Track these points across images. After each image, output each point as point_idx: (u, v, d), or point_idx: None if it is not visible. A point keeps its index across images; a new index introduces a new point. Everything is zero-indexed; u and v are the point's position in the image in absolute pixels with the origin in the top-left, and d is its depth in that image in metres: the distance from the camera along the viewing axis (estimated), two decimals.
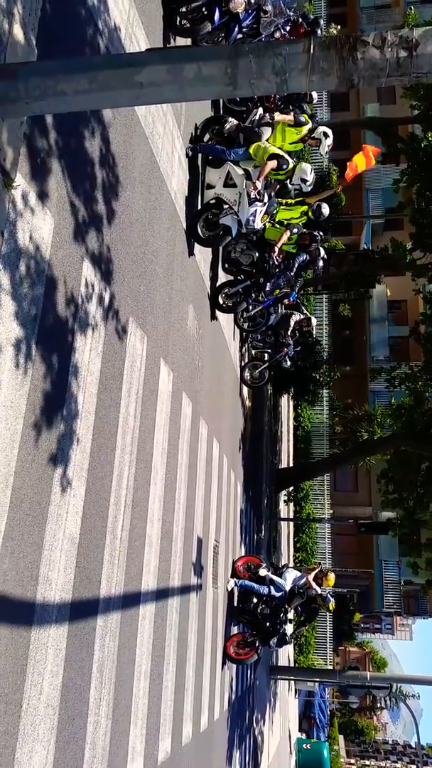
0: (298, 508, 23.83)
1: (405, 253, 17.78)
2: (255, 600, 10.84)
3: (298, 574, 11.29)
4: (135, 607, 5.73)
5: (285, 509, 22.35)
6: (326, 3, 34.48)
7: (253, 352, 13.92)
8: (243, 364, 13.30)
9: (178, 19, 7.06)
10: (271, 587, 10.91)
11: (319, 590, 11.17)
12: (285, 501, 22.09)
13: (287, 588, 11.05)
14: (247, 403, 14.10)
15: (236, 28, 7.84)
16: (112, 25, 5.41)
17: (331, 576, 11.56)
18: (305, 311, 13.73)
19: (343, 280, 23.52)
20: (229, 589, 10.61)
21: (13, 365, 3.71)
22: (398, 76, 2.54)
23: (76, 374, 4.63)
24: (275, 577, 11.05)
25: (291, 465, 24.22)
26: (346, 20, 36.44)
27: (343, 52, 2.46)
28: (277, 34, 10.19)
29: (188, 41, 7.42)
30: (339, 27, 24.56)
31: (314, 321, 13.79)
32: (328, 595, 11.24)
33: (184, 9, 7.05)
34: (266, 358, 13.65)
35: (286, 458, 23.72)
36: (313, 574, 11.29)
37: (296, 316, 13.05)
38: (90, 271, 4.92)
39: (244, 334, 12.72)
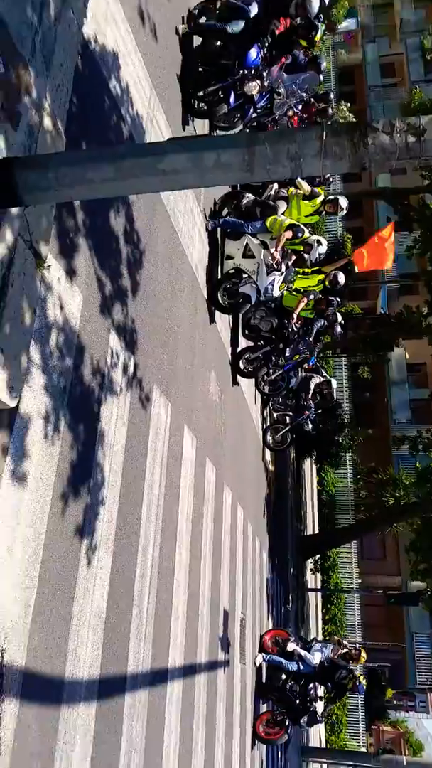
0: (326, 578, 23.11)
1: (420, 320, 17.94)
2: (284, 676, 10.39)
3: (327, 648, 10.87)
4: (162, 685, 5.54)
5: (312, 579, 21.70)
6: (336, 82, 36.29)
7: (275, 415, 13.91)
8: (265, 427, 13.28)
9: (196, 102, 7.49)
10: (300, 663, 10.48)
11: (347, 665, 10.73)
12: (312, 570, 21.47)
13: (316, 663, 10.61)
14: (270, 467, 13.99)
15: (251, 109, 8.27)
16: (135, 112, 5.76)
17: (363, 654, 11.13)
18: (325, 374, 13.80)
19: (361, 343, 23.69)
20: (257, 664, 10.20)
21: (42, 437, 3.77)
22: (408, 159, 2.66)
23: (103, 443, 4.67)
24: (304, 652, 10.63)
25: (316, 531, 23.68)
26: (355, 98, 38.22)
27: (354, 138, 2.59)
28: (290, 113, 10.72)
29: (206, 123, 7.84)
30: (349, 104, 25.70)
31: (335, 383, 13.83)
32: (357, 675, 10.78)
33: (201, 93, 7.49)
34: (288, 421, 13.63)
35: (311, 524, 23.22)
36: (343, 650, 10.87)
37: (316, 379, 13.11)
38: (116, 342, 5.04)
39: (266, 397, 12.77)
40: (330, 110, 13.40)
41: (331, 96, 13.93)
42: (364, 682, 11.35)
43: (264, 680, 10.36)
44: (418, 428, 25.43)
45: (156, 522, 5.63)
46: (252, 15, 7.53)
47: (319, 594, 23.53)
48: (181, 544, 6.32)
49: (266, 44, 7.56)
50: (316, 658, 10.66)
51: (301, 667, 10.46)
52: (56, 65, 3.80)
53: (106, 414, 4.77)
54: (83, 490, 4.27)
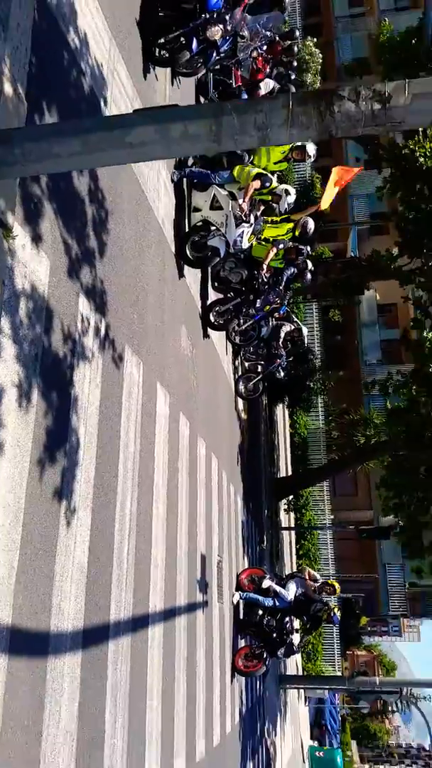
0: (299, 516, 23.93)
1: (391, 261, 18.02)
2: (260, 612, 10.95)
3: (300, 582, 11.43)
4: (144, 630, 5.85)
5: (286, 518, 22.45)
6: (301, 13, 34.96)
7: (246, 364, 14.07)
8: (237, 377, 13.45)
9: (157, 50, 7.26)
10: (276, 598, 11.03)
11: (321, 597, 11.34)
12: (285, 510, 22.19)
13: (291, 598, 11.17)
14: (243, 415, 14.25)
15: (214, 53, 8.05)
16: (95, 65, 5.60)
17: (336, 584, 11.76)
18: (296, 321, 13.91)
19: (332, 287, 23.77)
20: (235, 602, 10.71)
21: (17, 405, 3.86)
22: (374, 126, 2.71)
23: (77, 407, 4.77)
24: (279, 588, 11.17)
25: (289, 474, 24.33)
26: (322, 29, 36.91)
27: (320, 106, 2.63)
28: (255, 53, 10.44)
29: (167, 71, 7.62)
30: (315, 40, 24.89)
31: (305, 330, 14.00)
32: (331, 606, 11.39)
33: (162, 40, 7.25)
34: (260, 370, 13.82)
35: (285, 466, 23.84)
36: (315, 582, 11.46)
37: (287, 327, 13.24)
38: (85, 305, 5.07)
39: (237, 347, 12.89)
40: (295, 48, 13.05)
41: (297, 33, 13.53)
42: (338, 613, 12.00)
43: (242, 617, 10.90)
44: (388, 369, 25.95)
45: (132, 478, 5.81)
46: None
47: (294, 532, 24.40)
48: (158, 497, 6.53)
49: None
50: (291, 593, 11.22)
51: (277, 603, 11.02)
52: (13, 26, 3.69)
53: (79, 378, 4.85)
54: (60, 453, 4.40)
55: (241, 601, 10.89)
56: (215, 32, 7.14)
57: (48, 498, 4.18)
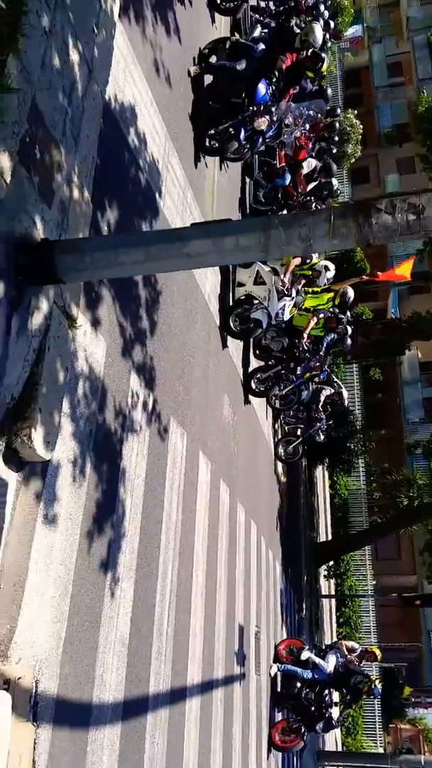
0: (340, 582, 23.32)
1: (430, 323, 18.14)
2: (299, 684, 10.68)
3: (340, 653, 11.14)
4: (182, 702, 5.86)
5: (326, 585, 21.94)
6: (342, 85, 36.36)
7: (287, 428, 14.18)
8: (276, 440, 13.56)
9: (208, 140, 7.80)
10: (315, 671, 10.77)
11: (362, 669, 11.02)
12: (325, 576, 21.70)
13: (330, 670, 10.89)
14: (282, 479, 14.27)
15: (260, 140, 8.57)
16: (151, 160, 6.08)
17: (377, 651, 11.42)
18: (336, 382, 13.96)
19: (372, 348, 23.90)
20: (272, 674, 10.50)
21: (71, 481, 4.10)
22: (409, 235, 2.93)
23: (125, 479, 5.00)
24: (318, 659, 10.92)
25: (329, 538, 23.90)
26: (362, 99, 38.34)
27: (359, 219, 2.87)
28: (297, 133, 10.98)
29: (216, 159, 8.15)
30: (356, 112, 25.86)
31: (346, 393, 14.08)
32: (372, 678, 11.04)
33: (212, 131, 7.79)
34: (299, 434, 13.90)
35: (324, 530, 23.45)
36: (354, 652, 11.16)
37: (327, 391, 13.35)
38: (136, 382, 5.37)
39: (277, 412, 13.05)
40: (337, 125, 13.68)
41: (338, 111, 14.17)
42: (379, 685, 11.60)
43: (279, 689, 10.65)
44: (431, 428, 25.57)
45: (174, 548, 5.95)
46: (259, 52, 7.84)
47: (334, 599, 23.76)
48: (197, 566, 6.64)
49: (274, 79, 7.84)
50: (330, 664, 10.94)
51: (316, 675, 10.75)
52: (83, 138, 4.12)
53: (128, 451, 5.10)
54: (107, 525, 4.60)
55: (278, 673, 10.67)
56: (262, 123, 7.64)
57: (95, 569, 4.37)
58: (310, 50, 8.01)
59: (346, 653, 11.25)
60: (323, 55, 8.63)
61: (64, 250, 3.12)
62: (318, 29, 7.86)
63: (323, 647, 12.24)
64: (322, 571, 21.17)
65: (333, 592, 22.96)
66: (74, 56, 4.16)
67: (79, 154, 4.08)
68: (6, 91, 3.00)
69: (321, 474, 24.23)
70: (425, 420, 30.51)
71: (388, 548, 29.30)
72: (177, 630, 5.80)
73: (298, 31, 7.94)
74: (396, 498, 21.10)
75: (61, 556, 3.92)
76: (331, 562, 21.99)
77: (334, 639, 20.61)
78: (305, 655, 10.86)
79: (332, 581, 22.87)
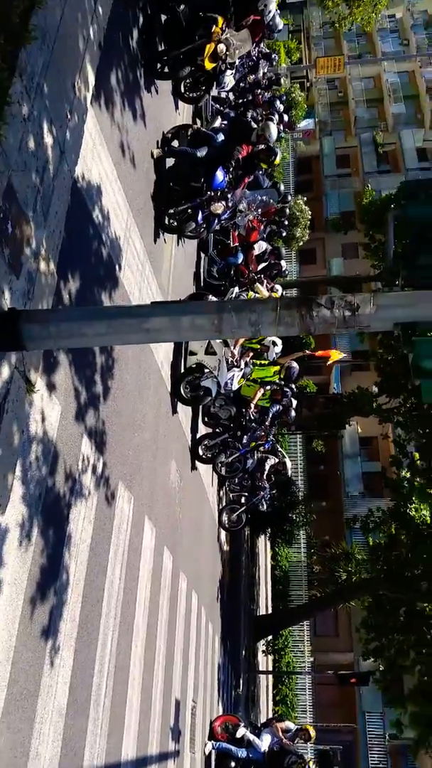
0: (278, 657, 22.90)
1: (371, 401, 18.88)
2: (233, 764, 10.36)
3: (275, 732, 10.91)
4: None
5: (263, 660, 21.52)
6: (294, 171, 38.66)
7: (231, 495, 14.29)
8: (221, 508, 13.61)
9: (167, 219, 8.24)
10: (249, 749, 10.49)
11: (296, 750, 10.80)
12: (264, 652, 21.31)
13: (264, 749, 10.62)
14: (225, 547, 14.22)
15: (216, 221, 9.09)
16: (114, 235, 6.39)
17: (311, 729, 11.24)
18: (280, 452, 14.26)
19: (315, 421, 24.54)
20: (207, 753, 10.16)
21: (17, 544, 4.11)
22: (345, 328, 3.26)
23: (70, 544, 5.00)
24: (253, 737, 10.65)
25: (269, 611, 23.62)
26: (312, 186, 40.84)
27: (302, 311, 3.19)
28: (250, 216, 11.65)
29: (174, 236, 8.59)
30: (305, 199, 27.47)
31: (289, 463, 14.37)
32: (306, 760, 10.83)
33: (172, 211, 8.25)
34: (243, 502, 14.01)
35: (265, 602, 23.19)
36: (288, 732, 10.95)
37: (271, 460, 13.61)
38: (87, 445, 5.46)
39: (222, 479, 13.17)
40: (287, 210, 14.57)
41: (289, 198, 15.13)
42: (313, 767, 11.35)
43: None
44: (370, 502, 26.04)
45: (115, 617, 5.89)
46: (219, 142, 8.45)
47: (271, 675, 23.26)
48: (137, 636, 6.54)
49: (231, 168, 8.43)
50: (265, 743, 10.68)
51: (250, 754, 10.46)
52: (52, 214, 4.38)
53: (75, 515, 5.12)
54: (50, 592, 4.57)
55: (213, 751, 10.34)
56: (219, 207, 8.16)
57: (36, 637, 4.31)
58: (265, 144, 8.68)
59: (281, 735, 11.02)
60: (277, 150, 9.37)
61: (30, 320, 3.29)
62: (273, 127, 8.57)
63: (259, 725, 11.96)
64: (261, 645, 20.81)
65: (270, 668, 22.49)
66: (48, 139, 4.47)
67: (48, 229, 4.32)
68: None
69: (263, 544, 24.18)
70: (365, 494, 31.09)
71: (326, 624, 29.08)
72: (114, 701, 5.67)
73: (254, 125, 8.62)
74: (335, 572, 21.23)
75: (4, 622, 3.88)
76: (270, 637, 21.66)
77: (270, 716, 20.03)
78: (240, 732, 10.59)
79: (270, 657, 22.45)
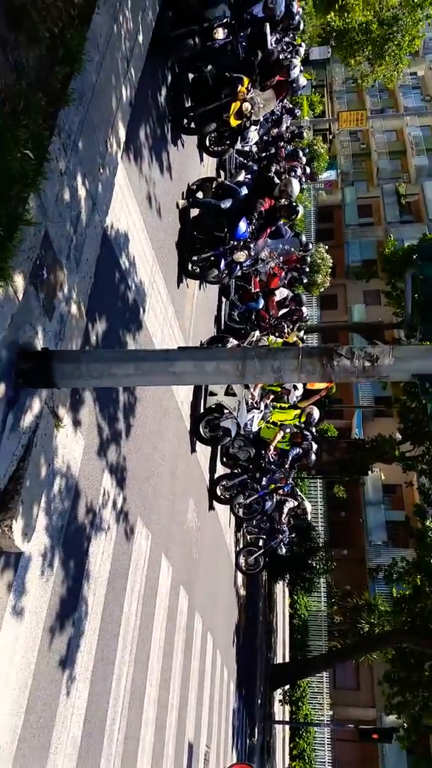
0: (295, 709, 22.23)
1: (393, 448, 18.79)
2: None
3: None
4: None
5: (280, 710, 20.93)
6: (316, 220, 39.39)
7: (249, 537, 14.24)
8: (238, 549, 13.56)
9: (191, 265, 8.58)
10: None
11: None
12: (280, 701, 20.74)
13: None
14: (242, 591, 14.10)
15: (238, 268, 9.42)
16: (139, 280, 6.71)
17: None
18: (300, 496, 14.22)
19: (336, 466, 24.40)
20: None
21: (39, 574, 4.26)
22: (365, 377, 3.42)
23: (89, 577, 5.13)
24: None
25: (287, 660, 23.06)
26: (333, 234, 41.55)
27: (323, 360, 3.36)
28: (272, 263, 12.00)
29: (197, 282, 8.92)
30: (326, 247, 27.99)
31: (309, 506, 14.30)
32: None
33: (195, 258, 8.59)
34: (261, 544, 13.95)
35: (282, 651, 22.67)
36: None
37: (290, 503, 13.58)
38: (108, 481, 5.64)
39: (240, 520, 13.17)
40: (308, 258, 14.94)
41: (310, 246, 15.53)
42: None
43: None
44: (394, 552, 25.54)
45: (130, 653, 5.94)
46: (242, 195, 8.83)
47: (287, 726, 22.55)
48: (151, 674, 6.56)
49: (254, 219, 8.79)
50: None
51: None
52: (83, 261, 4.68)
53: (94, 549, 5.27)
54: (68, 623, 4.69)
55: None
56: (241, 256, 8.48)
57: (54, 666, 4.41)
58: (287, 200, 9.04)
59: None
60: (298, 208, 9.76)
61: (62, 359, 3.52)
62: (295, 183, 8.95)
63: None
64: (277, 695, 20.28)
65: (288, 719, 21.83)
66: (82, 192, 4.81)
67: (79, 275, 4.61)
68: (27, 224, 3.52)
69: (281, 590, 23.79)
70: (388, 543, 30.47)
71: (347, 677, 28.18)
72: (127, 739, 5.68)
73: (277, 181, 9.01)
74: (357, 623, 20.71)
75: (23, 649, 4.01)
76: (287, 686, 21.11)
77: None
78: None
79: (287, 707, 21.81)
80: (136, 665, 6.07)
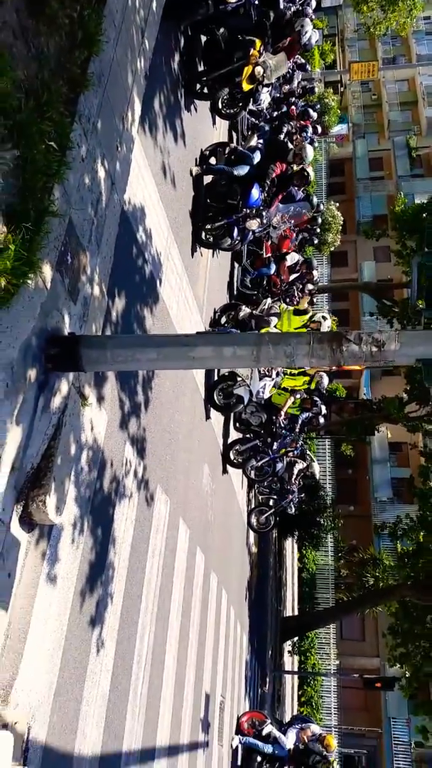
0: (303, 659, 23.14)
1: (398, 410, 18.95)
2: (259, 758, 10.71)
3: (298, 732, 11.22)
4: (149, 764, 6.06)
5: (289, 661, 21.78)
6: (326, 174, 38.68)
7: (260, 498, 14.63)
8: (250, 509, 13.96)
9: (204, 234, 8.62)
10: (275, 746, 10.82)
11: (321, 749, 11.08)
12: (289, 652, 21.57)
13: (290, 746, 10.94)
14: (254, 549, 14.57)
15: (249, 235, 9.45)
16: (156, 252, 6.81)
17: (333, 741, 11.47)
18: (309, 456, 14.51)
19: (344, 426, 24.67)
20: (234, 746, 10.53)
21: (70, 542, 4.53)
22: (372, 362, 3.57)
23: (114, 542, 5.42)
24: (279, 734, 10.98)
25: (296, 613, 23.83)
26: (344, 188, 40.89)
27: (333, 345, 3.51)
28: (284, 226, 11.98)
29: (210, 251, 8.98)
30: (337, 204, 27.59)
31: (317, 468, 14.61)
32: (330, 760, 11.11)
33: (209, 226, 8.63)
34: (272, 504, 14.34)
35: (291, 604, 23.42)
36: (313, 736, 11.24)
37: (300, 464, 13.88)
38: (130, 451, 5.87)
39: (252, 482, 13.52)
40: (319, 219, 14.85)
41: (321, 206, 15.38)
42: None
43: (239, 762, 10.65)
44: (399, 508, 26.06)
45: (152, 612, 6.29)
46: (255, 162, 8.80)
47: (296, 676, 23.50)
48: (171, 631, 6.94)
49: (266, 186, 8.79)
50: (290, 741, 11.00)
51: (276, 751, 10.79)
52: (104, 242, 4.79)
53: (119, 516, 5.54)
54: (96, 586, 4.99)
55: (240, 745, 10.70)
56: (253, 224, 8.52)
57: (84, 627, 4.73)
58: (300, 166, 9.00)
59: (306, 740, 11.27)
60: (310, 176, 9.71)
61: (89, 345, 3.69)
62: (309, 148, 8.92)
63: (284, 723, 12.28)
64: (287, 646, 21.08)
65: (296, 669, 22.74)
66: (101, 173, 4.88)
67: (100, 256, 4.73)
68: (53, 216, 3.64)
69: (290, 547, 24.42)
70: (393, 500, 30.99)
71: (352, 628, 29.13)
72: (150, 692, 6.07)
73: (291, 146, 8.95)
74: (362, 577, 21.33)
75: (57, 613, 4.30)
76: (296, 638, 21.91)
77: (295, 714, 20.29)
78: (267, 729, 10.93)
79: (296, 657, 22.69)
80: (157, 623, 6.42)
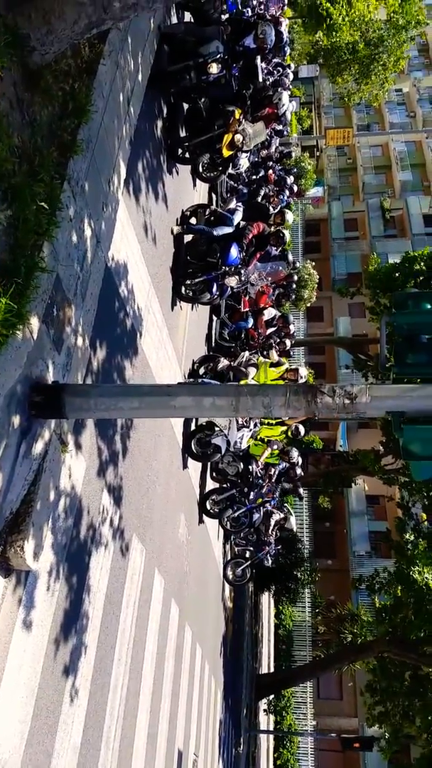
0: (279, 719, 22.50)
1: (374, 463, 19.20)
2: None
3: None
4: None
5: (265, 720, 21.19)
6: (302, 233, 40.02)
7: (236, 549, 14.56)
8: (226, 561, 13.87)
9: (184, 289, 8.94)
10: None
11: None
12: (265, 711, 21.01)
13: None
14: (229, 603, 14.40)
15: (228, 290, 9.80)
16: (137, 306, 7.06)
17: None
18: (286, 506, 14.57)
19: (321, 478, 24.82)
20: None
21: (45, 588, 4.56)
22: (345, 414, 3.78)
23: (89, 592, 5.43)
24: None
25: (272, 670, 23.33)
26: (320, 247, 42.28)
27: (308, 397, 3.71)
28: (261, 283, 12.39)
29: (190, 305, 9.29)
30: (313, 263, 28.49)
31: (293, 520, 14.66)
32: None
33: (188, 282, 8.96)
34: (248, 556, 14.28)
35: (267, 660, 22.94)
36: None
37: (276, 515, 13.93)
38: (107, 499, 5.95)
39: (228, 533, 13.49)
40: (295, 276, 15.40)
41: (297, 264, 15.93)
42: None
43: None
44: (377, 563, 25.94)
45: (125, 663, 6.24)
46: (233, 222, 9.23)
47: (272, 736, 22.80)
48: (144, 683, 6.85)
49: (244, 246, 9.19)
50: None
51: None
52: (88, 295, 5.01)
53: (94, 564, 5.57)
54: (70, 635, 4.99)
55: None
56: (232, 281, 8.88)
57: (57, 676, 4.70)
58: (276, 228, 9.46)
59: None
60: (286, 237, 10.19)
61: (73, 393, 3.85)
62: (290, 215, 9.40)
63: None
64: (262, 704, 20.54)
65: (272, 728, 22.09)
66: (88, 232, 5.15)
67: (84, 309, 4.95)
68: (42, 272, 3.86)
69: (267, 601, 24.09)
70: (371, 554, 30.87)
71: (330, 688, 28.49)
72: (122, 746, 5.96)
73: (271, 209, 9.43)
74: (340, 633, 21.02)
75: (31, 660, 4.30)
76: (272, 696, 21.38)
77: None
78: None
79: (272, 717, 22.08)
80: (130, 675, 6.36)
